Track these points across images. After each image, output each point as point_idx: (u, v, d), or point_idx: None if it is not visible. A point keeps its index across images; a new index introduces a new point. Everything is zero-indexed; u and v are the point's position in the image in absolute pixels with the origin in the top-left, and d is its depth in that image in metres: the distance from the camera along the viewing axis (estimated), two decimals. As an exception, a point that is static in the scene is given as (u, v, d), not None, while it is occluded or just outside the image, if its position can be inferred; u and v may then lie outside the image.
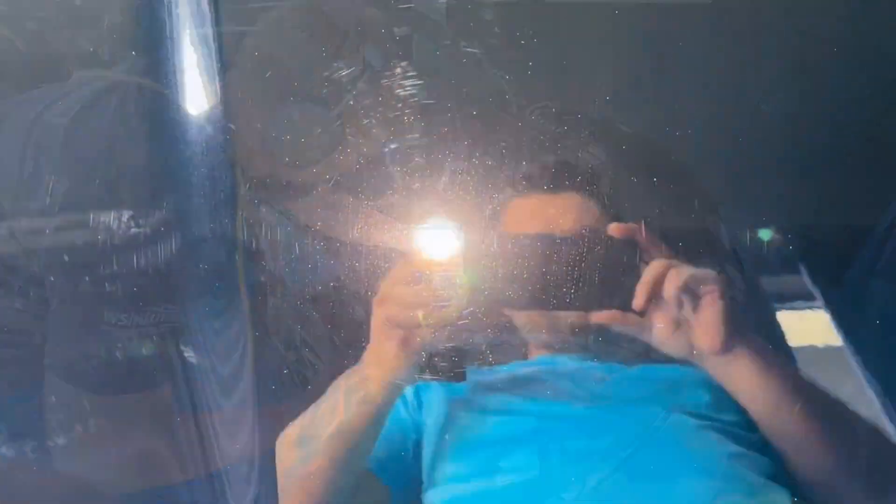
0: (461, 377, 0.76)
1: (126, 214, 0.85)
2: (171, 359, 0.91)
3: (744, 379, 0.74)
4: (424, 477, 0.84)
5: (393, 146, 0.82)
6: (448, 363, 0.76)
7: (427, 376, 0.76)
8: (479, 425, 0.83)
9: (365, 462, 0.80)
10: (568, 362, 0.86)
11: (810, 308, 1.21)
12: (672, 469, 0.77)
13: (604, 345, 0.84)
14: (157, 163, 0.90)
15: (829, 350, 1.12)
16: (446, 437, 0.84)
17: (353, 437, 0.77)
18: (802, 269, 1.10)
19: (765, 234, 1.09)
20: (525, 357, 0.91)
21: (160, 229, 0.85)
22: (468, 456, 0.81)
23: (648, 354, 0.86)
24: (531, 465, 0.78)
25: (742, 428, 0.79)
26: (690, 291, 0.73)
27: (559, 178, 0.88)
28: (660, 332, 0.75)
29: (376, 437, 0.79)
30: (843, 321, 1.09)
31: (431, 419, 0.86)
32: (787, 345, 1.02)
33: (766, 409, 0.75)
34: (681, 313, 0.74)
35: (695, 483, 0.76)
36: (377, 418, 0.78)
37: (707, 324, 0.73)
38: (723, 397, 0.78)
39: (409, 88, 0.84)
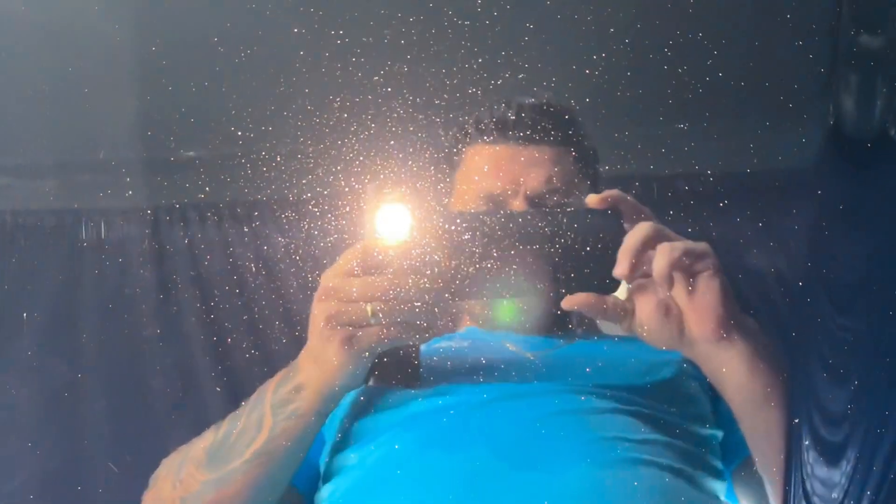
0: (416, 380, 0.64)
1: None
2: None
3: (735, 367, 0.62)
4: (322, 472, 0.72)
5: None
6: (401, 364, 0.64)
7: (373, 382, 0.64)
8: (374, 413, 0.70)
9: (289, 479, 0.67)
10: (497, 337, 0.78)
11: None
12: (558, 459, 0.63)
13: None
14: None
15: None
16: (343, 427, 0.72)
17: (281, 455, 0.64)
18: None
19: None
20: (452, 328, 0.81)
21: None
22: (359, 447, 0.68)
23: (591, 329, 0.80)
24: (403, 453, 0.66)
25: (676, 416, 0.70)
26: (684, 269, 0.61)
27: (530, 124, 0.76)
28: (646, 317, 0.62)
29: (306, 451, 0.66)
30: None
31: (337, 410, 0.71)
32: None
33: (751, 400, 0.63)
34: (670, 295, 0.62)
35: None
36: (310, 432, 0.65)
37: (704, 307, 0.61)
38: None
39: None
